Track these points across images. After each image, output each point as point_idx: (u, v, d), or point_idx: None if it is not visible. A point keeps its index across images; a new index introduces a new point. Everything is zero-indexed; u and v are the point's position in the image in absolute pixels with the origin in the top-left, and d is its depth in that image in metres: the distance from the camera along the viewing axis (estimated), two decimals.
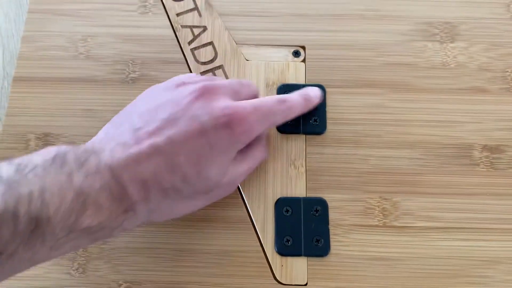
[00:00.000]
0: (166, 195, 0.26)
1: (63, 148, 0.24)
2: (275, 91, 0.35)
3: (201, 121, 0.26)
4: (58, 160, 0.24)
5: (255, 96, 0.31)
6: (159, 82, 0.35)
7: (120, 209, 0.24)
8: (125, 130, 0.26)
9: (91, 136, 0.34)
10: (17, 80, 0.35)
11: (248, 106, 0.27)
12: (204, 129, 0.26)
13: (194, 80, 0.29)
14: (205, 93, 0.27)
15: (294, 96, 0.31)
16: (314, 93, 0.33)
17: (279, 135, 0.34)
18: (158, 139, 0.25)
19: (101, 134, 0.27)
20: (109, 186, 0.24)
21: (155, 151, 0.25)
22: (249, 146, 0.30)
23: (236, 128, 0.26)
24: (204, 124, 0.26)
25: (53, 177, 0.23)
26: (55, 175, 0.23)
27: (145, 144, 0.25)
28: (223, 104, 0.27)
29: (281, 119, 0.30)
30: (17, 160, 0.23)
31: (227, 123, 0.26)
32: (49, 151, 0.24)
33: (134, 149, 0.25)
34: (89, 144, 0.26)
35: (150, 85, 0.35)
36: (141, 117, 0.26)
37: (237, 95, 0.29)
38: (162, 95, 0.28)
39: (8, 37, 0.42)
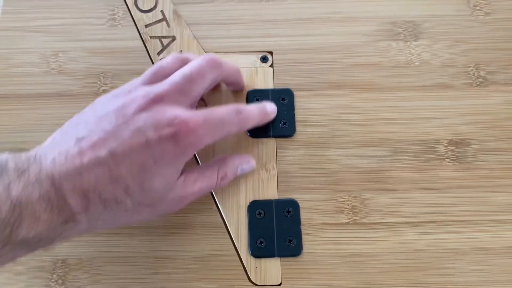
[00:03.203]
0: (107, 207, 0.26)
1: (4, 157, 0.25)
2: (244, 96, 0.36)
3: (146, 133, 0.25)
4: None
5: (212, 82, 0.30)
6: None
7: (59, 219, 0.24)
8: (70, 139, 0.26)
9: None
10: None
11: (197, 117, 0.27)
12: (148, 142, 0.25)
13: (139, 84, 0.29)
14: (150, 103, 0.27)
15: (252, 107, 0.32)
16: (271, 108, 0.34)
17: (250, 139, 0.35)
18: (101, 151, 0.25)
19: (48, 140, 0.27)
20: (48, 196, 0.24)
21: (97, 163, 0.25)
22: (208, 167, 0.31)
23: (181, 140, 0.26)
24: (148, 137, 0.25)
25: None
26: None
27: (87, 155, 0.25)
28: (169, 115, 0.26)
29: (235, 129, 0.30)
30: None
31: (173, 135, 0.26)
32: None
33: (76, 160, 0.25)
34: (33, 151, 0.26)
35: None
36: (86, 127, 0.26)
37: (187, 96, 0.28)
38: (109, 104, 0.27)
39: None
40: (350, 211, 0.33)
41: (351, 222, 0.33)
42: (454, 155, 0.35)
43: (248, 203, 0.33)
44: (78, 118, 0.28)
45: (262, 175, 0.34)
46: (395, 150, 0.35)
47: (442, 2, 0.39)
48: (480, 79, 0.36)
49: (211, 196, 0.34)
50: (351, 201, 0.33)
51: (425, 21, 0.38)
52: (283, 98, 0.36)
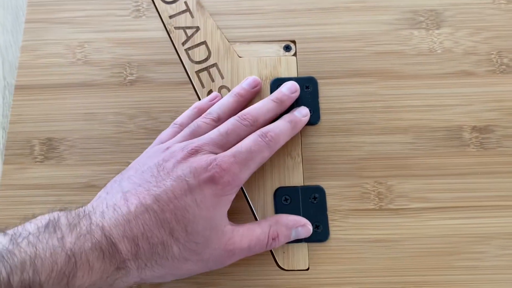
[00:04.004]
0: (155, 252, 0.26)
1: (56, 214, 0.26)
2: (268, 85, 0.36)
3: (187, 180, 0.28)
4: (51, 226, 0.25)
5: (247, 135, 0.31)
6: (156, 83, 0.37)
7: (111, 267, 0.25)
8: (116, 193, 0.28)
9: (93, 138, 0.35)
10: (19, 88, 0.37)
11: (227, 157, 0.29)
12: (190, 187, 0.27)
13: (178, 142, 0.31)
14: (188, 156, 0.29)
15: (278, 123, 0.32)
16: (300, 113, 0.34)
17: None
18: (146, 199, 0.27)
19: (94, 199, 0.29)
20: (100, 245, 0.25)
21: (143, 210, 0.27)
22: (259, 225, 0.31)
23: (219, 182, 0.28)
24: (189, 183, 0.27)
25: (45, 243, 0.24)
26: (47, 240, 0.24)
27: (134, 204, 0.27)
28: (204, 161, 0.28)
29: (268, 153, 0.31)
30: (11, 231, 0.25)
31: (210, 179, 0.28)
32: (43, 218, 0.26)
33: (124, 209, 0.27)
34: (82, 208, 0.27)
35: (147, 86, 0.37)
36: (129, 181, 0.28)
37: (222, 148, 0.30)
38: (149, 161, 0.30)
39: (6, 48, 0.43)
40: (376, 197, 0.33)
41: (377, 208, 0.33)
42: (478, 141, 0.35)
43: (274, 190, 0.34)
44: (120, 176, 0.30)
45: (287, 163, 0.35)
46: (419, 136, 0.35)
47: None
48: (503, 66, 0.37)
49: None
50: (376, 187, 0.34)
51: (446, 9, 0.38)
52: (307, 86, 0.36)
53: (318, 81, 0.36)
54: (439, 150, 0.35)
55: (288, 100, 0.34)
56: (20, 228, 0.25)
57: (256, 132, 0.31)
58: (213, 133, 0.31)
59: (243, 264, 0.32)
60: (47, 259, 0.23)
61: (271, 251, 0.32)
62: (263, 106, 0.33)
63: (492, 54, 0.37)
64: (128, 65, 0.37)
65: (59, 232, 0.25)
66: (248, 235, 0.30)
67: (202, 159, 0.29)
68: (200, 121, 0.32)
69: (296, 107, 0.35)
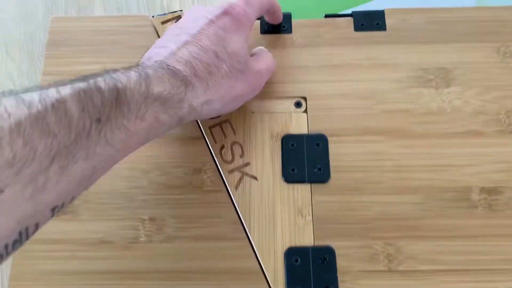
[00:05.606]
0: (210, 71, 0.31)
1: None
2: (279, 141, 0.37)
3: (206, 17, 0.33)
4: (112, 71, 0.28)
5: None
6: (170, 138, 0.37)
7: (178, 81, 0.29)
8: (154, 48, 0.33)
9: (106, 193, 0.36)
10: None
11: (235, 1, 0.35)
12: (210, 21, 0.33)
13: None
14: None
15: None
16: None
17: (285, 185, 0.36)
18: (181, 37, 0.32)
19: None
20: (161, 67, 0.29)
21: (184, 44, 0.32)
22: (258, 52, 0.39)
23: (233, 14, 0.33)
24: (209, 18, 0.33)
25: (114, 71, 0.27)
26: (114, 72, 0.27)
27: (174, 44, 0.32)
28: (215, 6, 0.34)
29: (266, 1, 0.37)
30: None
31: (225, 13, 0.33)
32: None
33: (168, 50, 0.31)
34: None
35: (161, 141, 0.37)
36: (162, 39, 0.34)
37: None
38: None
39: None
40: (385, 258, 0.34)
41: (386, 269, 0.34)
42: (486, 203, 0.35)
43: (284, 249, 0.34)
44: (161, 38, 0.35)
45: (298, 221, 0.35)
46: (428, 197, 0.35)
47: (472, 50, 0.40)
48: None
49: (248, 243, 0.34)
50: (386, 248, 0.34)
51: (456, 67, 0.39)
52: (317, 143, 0.37)
53: (328, 138, 0.37)
54: (448, 211, 0.35)
55: None
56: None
57: None
58: None
59: None
60: (121, 72, 0.27)
61: None
62: None
63: (501, 114, 0.37)
64: None
65: (114, 74, 0.27)
66: (261, 59, 0.37)
67: (215, 6, 0.34)
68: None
69: (307, 163, 0.36)
